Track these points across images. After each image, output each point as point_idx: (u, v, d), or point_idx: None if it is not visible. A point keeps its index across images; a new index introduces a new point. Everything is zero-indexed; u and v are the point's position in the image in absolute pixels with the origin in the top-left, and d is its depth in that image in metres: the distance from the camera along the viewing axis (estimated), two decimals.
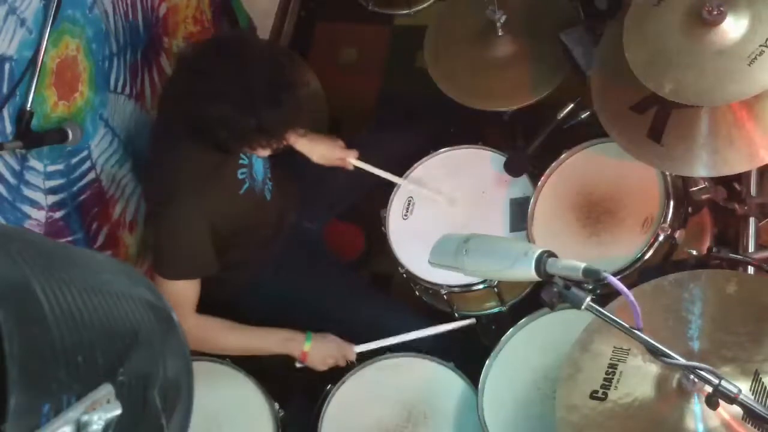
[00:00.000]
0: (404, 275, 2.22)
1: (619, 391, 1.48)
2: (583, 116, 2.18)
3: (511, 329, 2.00)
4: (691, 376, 1.37)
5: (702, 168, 1.69)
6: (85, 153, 2.06)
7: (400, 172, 2.33)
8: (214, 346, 2.11)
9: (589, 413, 1.47)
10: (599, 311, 1.24)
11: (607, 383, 1.49)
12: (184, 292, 2.04)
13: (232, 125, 1.84)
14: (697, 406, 1.39)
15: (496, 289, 2.14)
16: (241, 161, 2.12)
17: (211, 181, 2.02)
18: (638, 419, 1.44)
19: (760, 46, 1.51)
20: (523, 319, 2.00)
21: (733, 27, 1.55)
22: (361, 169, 2.33)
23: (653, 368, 1.47)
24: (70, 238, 2.02)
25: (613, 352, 1.52)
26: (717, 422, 1.37)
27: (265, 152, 2.00)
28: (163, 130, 2.14)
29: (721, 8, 1.54)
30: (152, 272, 2.12)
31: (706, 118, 1.67)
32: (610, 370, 1.50)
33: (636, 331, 1.23)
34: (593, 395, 1.49)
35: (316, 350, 2.15)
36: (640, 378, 1.47)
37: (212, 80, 1.85)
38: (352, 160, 2.33)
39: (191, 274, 2.05)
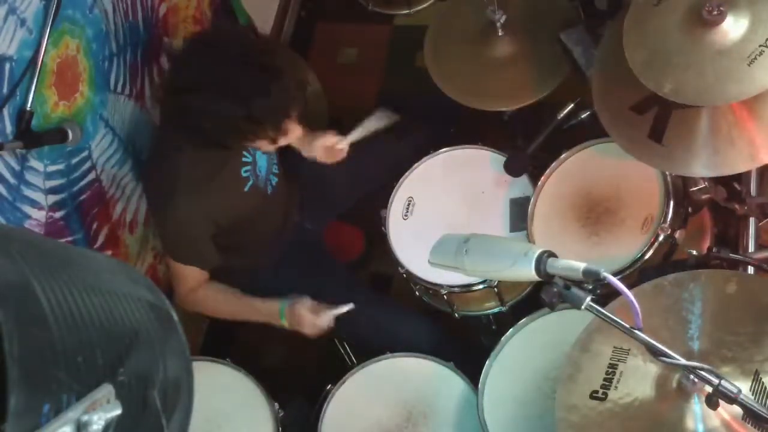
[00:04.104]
0: (404, 275, 2.22)
1: (619, 391, 1.48)
2: (583, 116, 2.18)
3: (511, 329, 2.00)
4: (691, 376, 1.37)
5: (702, 168, 1.69)
6: (85, 153, 2.06)
7: (400, 172, 2.33)
8: (206, 314, 2.31)
9: (589, 413, 1.47)
10: (599, 311, 1.24)
11: (607, 383, 1.49)
12: (190, 273, 2.14)
13: (220, 116, 1.84)
14: (697, 406, 1.39)
15: (496, 289, 2.14)
16: (244, 159, 2.12)
17: (212, 181, 2.03)
18: (638, 419, 1.44)
19: (760, 46, 1.51)
20: (523, 319, 2.00)
21: (733, 27, 1.55)
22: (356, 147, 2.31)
23: (653, 368, 1.47)
24: (70, 238, 2.02)
25: (613, 352, 1.52)
26: (717, 422, 1.37)
27: (269, 146, 1.99)
28: (165, 130, 2.15)
29: (721, 8, 1.54)
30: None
31: (706, 118, 1.67)
32: (610, 370, 1.50)
33: (636, 331, 1.23)
34: (593, 395, 1.49)
35: (295, 325, 2.17)
36: (640, 378, 1.47)
37: (197, 72, 1.86)
38: (342, 144, 2.29)
39: (195, 264, 2.13)
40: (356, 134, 2.30)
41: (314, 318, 2.13)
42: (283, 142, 1.99)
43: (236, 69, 1.83)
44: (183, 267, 2.12)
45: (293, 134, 1.99)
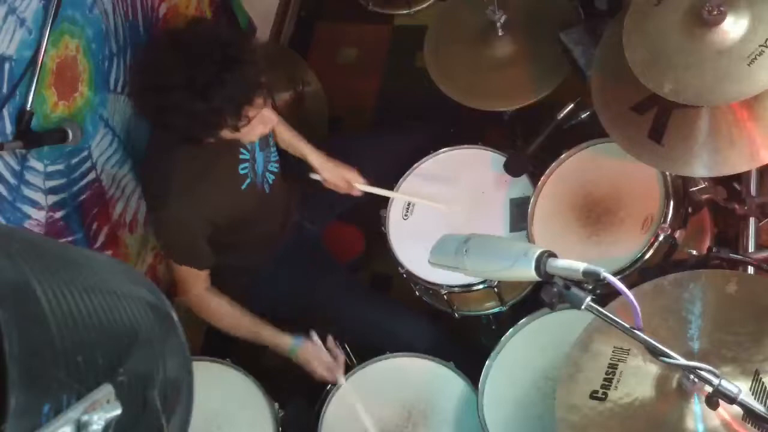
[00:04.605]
0: (404, 275, 2.22)
1: (619, 391, 1.48)
2: (583, 116, 2.18)
3: (511, 329, 2.00)
4: (691, 376, 1.37)
5: (702, 168, 1.69)
6: (85, 153, 2.06)
7: (400, 172, 2.34)
8: (210, 322, 2.22)
9: (589, 413, 1.47)
10: (599, 311, 1.23)
11: (607, 383, 1.49)
12: (189, 273, 2.13)
13: (181, 111, 1.83)
14: (697, 406, 1.39)
15: (496, 289, 2.14)
16: (242, 156, 2.12)
17: (207, 179, 2.02)
18: (638, 419, 1.44)
19: (760, 46, 1.51)
20: (523, 319, 2.00)
21: (733, 27, 1.55)
22: (367, 193, 2.33)
23: (653, 368, 1.47)
24: (70, 238, 2.02)
25: (613, 352, 1.52)
26: (717, 422, 1.37)
27: (247, 136, 1.97)
28: (157, 130, 2.15)
29: (721, 8, 1.54)
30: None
31: (706, 118, 1.67)
32: (610, 370, 1.50)
33: (636, 331, 1.23)
34: (593, 395, 1.49)
35: (303, 363, 2.17)
36: (640, 378, 1.47)
37: (158, 71, 1.86)
38: (359, 185, 2.32)
39: (194, 265, 2.11)
40: (375, 190, 2.33)
41: (326, 374, 2.13)
42: (255, 130, 1.96)
43: (192, 62, 1.82)
44: (184, 269, 2.11)
45: (265, 121, 1.96)
